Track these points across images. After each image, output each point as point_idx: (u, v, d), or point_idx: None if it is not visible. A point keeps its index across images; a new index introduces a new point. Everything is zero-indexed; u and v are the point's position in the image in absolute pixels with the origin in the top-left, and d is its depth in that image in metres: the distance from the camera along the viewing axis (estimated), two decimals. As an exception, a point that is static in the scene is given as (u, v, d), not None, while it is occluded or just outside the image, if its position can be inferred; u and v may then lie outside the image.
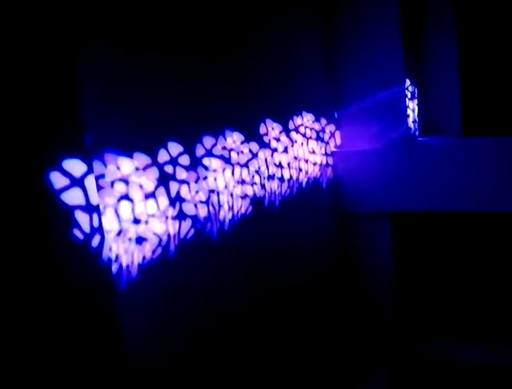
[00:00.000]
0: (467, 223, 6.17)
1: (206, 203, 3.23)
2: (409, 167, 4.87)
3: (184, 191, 3.03)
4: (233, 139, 3.53)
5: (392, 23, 4.82)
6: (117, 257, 2.50)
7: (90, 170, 2.01)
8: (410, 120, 5.12)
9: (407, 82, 5.03)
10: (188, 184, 3.07)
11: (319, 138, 4.90)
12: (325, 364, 4.79)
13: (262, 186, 3.90)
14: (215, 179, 3.33)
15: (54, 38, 1.81)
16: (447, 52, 5.92)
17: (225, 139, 3.44)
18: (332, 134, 5.16)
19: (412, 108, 5.34)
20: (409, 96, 5.15)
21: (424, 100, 5.94)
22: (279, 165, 4.17)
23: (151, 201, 2.76)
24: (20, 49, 1.70)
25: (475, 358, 5.22)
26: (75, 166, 1.93)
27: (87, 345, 1.93)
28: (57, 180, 1.83)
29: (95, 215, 1.99)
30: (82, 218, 1.95)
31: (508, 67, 6.08)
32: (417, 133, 5.43)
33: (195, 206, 3.12)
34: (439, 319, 5.86)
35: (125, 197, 2.60)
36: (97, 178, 2.35)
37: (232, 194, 3.50)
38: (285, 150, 4.27)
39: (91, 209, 1.98)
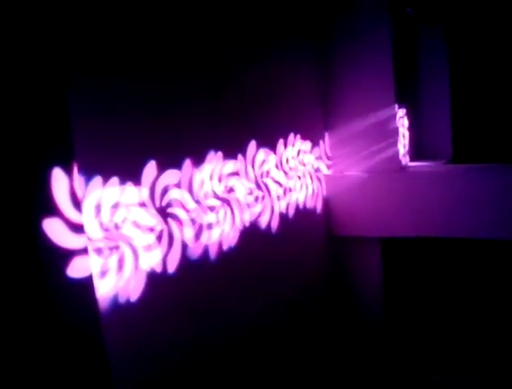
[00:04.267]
0: (456, 249, 6.20)
1: (198, 225, 3.21)
2: (399, 193, 4.89)
3: (180, 213, 3.01)
4: (226, 163, 3.53)
5: (384, 51, 4.89)
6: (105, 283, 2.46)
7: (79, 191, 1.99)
8: (400, 146, 5.17)
9: (399, 108, 5.08)
10: (183, 206, 3.05)
11: (311, 163, 4.92)
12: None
13: (256, 208, 3.90)
14: (209, 205, 3.32)
15: (47, 76, 1.85)
16: (439, 80, 6.02)
17: (214, 163, 3.43)
18: (324, 159, 5.19)
19: (403, 133, 5.40)
20: (400, 122, 5.20)
21: (416, 127, 6.01)
22: (273, 189, 4.17)
23: (141, 225, 2.74)
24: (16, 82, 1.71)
25: None
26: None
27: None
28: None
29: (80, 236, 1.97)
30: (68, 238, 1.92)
31: (497, 97, 6.20)
32: (408, 158, 5.47)
33: (189, 228, 3.10)
34: (428, 347, 5.83)
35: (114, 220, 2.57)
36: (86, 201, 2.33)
37: (225, 218, 3.48)
38: (278, 174, 4.28)
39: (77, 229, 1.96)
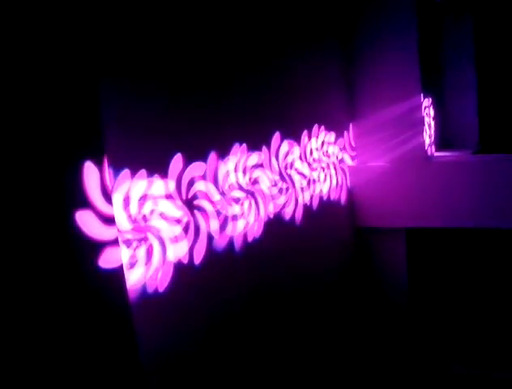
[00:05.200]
0: (482, 239, 6.11)
1: (223, 216, 3.25)
2: (424, 183, 4.85)
3: (205, 205, 3.06)
4: (250, 155, 3.56)
5: (410, 40, 4.82)
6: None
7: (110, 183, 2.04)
8: (426, 135, 5.10)
9: (424, 98, 5.01)
10: (208, 198, 3.09)
11: (335, 154, 4.90)
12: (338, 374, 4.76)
13: (280, 200, 3.91)
14: (234, 196, 3.35)
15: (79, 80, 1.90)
16: (465, 69, 5.91)
17: (239, 155, 3.46)
18: (348, 150, 5.16)
19: (429, 123, 5.33)
20: (426, 111, 5.13)
21: (442, 116, 5.92)
22: (297, 180, 4.18)
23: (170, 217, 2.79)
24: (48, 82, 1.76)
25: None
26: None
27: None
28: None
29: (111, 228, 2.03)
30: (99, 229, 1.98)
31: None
32: (433, 148, 5.40)
33: (214, 220, 3.14)
34: (453, 336, 5.78)
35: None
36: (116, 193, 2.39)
37: (250, 210, 3.52)
38: (302, 166, 4.29)
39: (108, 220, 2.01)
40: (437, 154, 5.52)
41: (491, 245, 6.20)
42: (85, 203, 1.91)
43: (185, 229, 2.93)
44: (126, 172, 2.50)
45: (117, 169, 2.44)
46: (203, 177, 3.10)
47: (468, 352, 5.55)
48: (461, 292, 6.16)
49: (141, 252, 2.61)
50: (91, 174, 1.93)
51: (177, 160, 2.87)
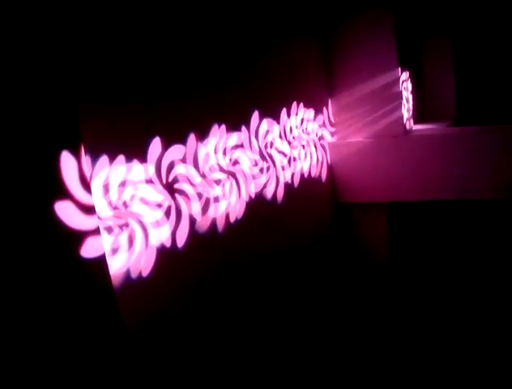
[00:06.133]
0: (460, 211, 6.24)
1: (204, 198, 3.24)
2: (403, 157, 4.88)
3: (186, 188, 3.04)
4: (230, 136, 3.53)
5: (386, 15, 4.80)
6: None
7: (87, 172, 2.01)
8: (404, 109, 5.12)
9: (402, 72, 5.02)
10: (189, 181, 3.07)
11: (315, 131, 4.90)
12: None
13: (261, 179, 3.91)
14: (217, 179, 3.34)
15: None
16: (442, 42, 5.92)
17: (218, 136, 3.43)
18: (328, 126, 5.16)
19: (407, 97, 5.35)
20: (404, 85, 5.15)
21: (420, 88, 5.94)
22: (278, 159, 4.17)
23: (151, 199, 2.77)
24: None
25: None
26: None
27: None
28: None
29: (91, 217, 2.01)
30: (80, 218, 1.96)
31: (501, 58, 6.10)
32: (412, 122, 5.44)
33: (195, 202, 3.13)
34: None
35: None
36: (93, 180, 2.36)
37: (231, 191, 3.51)
38: (282, 144, 4.28)
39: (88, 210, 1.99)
40: (415, 127, 5.56)
41: (470, 215, 6.33)
42: (63, 193, 1.87)
43: (167, 213, 2.92)
44: (104, 158, 2.47)
45: (94, 156, 2.41)
46: (183, 160, 3.07)
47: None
48: (441, 264, 6.29)
49: (123, 238, 2.60)
50: (68, 164, 1.89)
51: (155, 144, 2.84)
